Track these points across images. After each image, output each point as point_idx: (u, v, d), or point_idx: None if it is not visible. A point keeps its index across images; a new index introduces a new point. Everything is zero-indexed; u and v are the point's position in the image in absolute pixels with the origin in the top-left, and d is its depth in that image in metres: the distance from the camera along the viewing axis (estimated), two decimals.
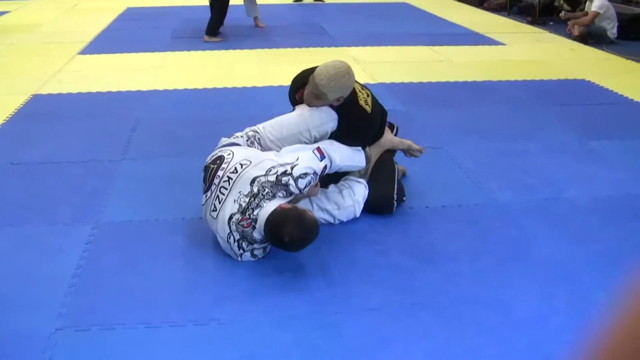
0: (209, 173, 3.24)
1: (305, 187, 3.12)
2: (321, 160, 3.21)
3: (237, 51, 7.94)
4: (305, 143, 3.41)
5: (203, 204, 3.25)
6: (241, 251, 3.06)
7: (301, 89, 3.55)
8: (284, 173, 3.07)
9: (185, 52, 7.87)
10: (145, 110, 5.52)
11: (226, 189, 3.10)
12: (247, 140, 3.39)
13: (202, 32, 8.86)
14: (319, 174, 3.21)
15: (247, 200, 3.02)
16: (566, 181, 4.06)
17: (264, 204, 3.00)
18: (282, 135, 3.44)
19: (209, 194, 3.19)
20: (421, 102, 5.82)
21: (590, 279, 2.96)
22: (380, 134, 3.68)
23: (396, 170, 3.71)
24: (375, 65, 7.19)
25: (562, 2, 10.11)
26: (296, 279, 3.00)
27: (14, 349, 2.55)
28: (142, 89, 6.16)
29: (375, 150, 3.74)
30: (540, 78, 6.66)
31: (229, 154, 3.25)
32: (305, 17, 10.72)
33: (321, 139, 3.45)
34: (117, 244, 3.35)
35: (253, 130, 3.48)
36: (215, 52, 7.88)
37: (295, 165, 3.10)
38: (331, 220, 3.50)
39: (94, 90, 6.11)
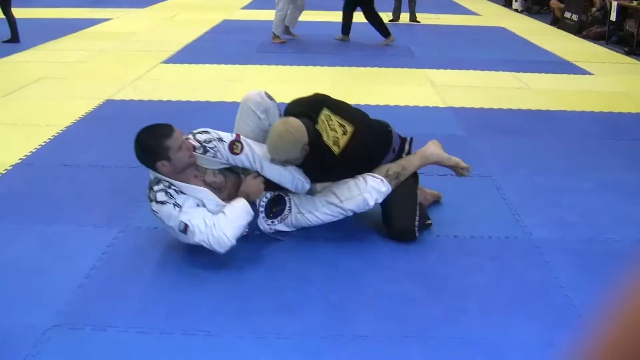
0: None
1: (205, 142, 3.36)
2: (234, 137, 3.41)
3: (316, 67, 8.00)
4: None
5: None
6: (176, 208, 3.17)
7: None
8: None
9: (265, 66, 8.00)
10: (206, 121, 5.58)
11: None
12: None
13: (288, 46, 9.03)
14: (226, 142, 3.37)
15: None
16: (609, 222, 3.84)
17: None
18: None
19: None
20: (485, 129, 5.68)
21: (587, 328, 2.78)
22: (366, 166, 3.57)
23: (418, 198, 3.62)
24: (449, 89, 7.07)
25: None
26: (295, 300, 2.97)
27: (6, 342, 2.65)
28: (211, 100, 6.29)
29: (418, 162, 3.70)
30: (619, 111, 6.36)
31: None
32: (395, 38, 10.66)
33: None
34: (135, 249, 3.43)
35: None
36: (294, 67, 7.96)
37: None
38: (342, 212, 3.44)
39: (164, 98, 6.30)
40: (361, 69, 8.05)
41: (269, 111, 3.56)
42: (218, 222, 3.09)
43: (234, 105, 6.13)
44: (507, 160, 4.88)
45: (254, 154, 3.37)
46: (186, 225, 3.08)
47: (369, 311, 2.89)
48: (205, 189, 3.27)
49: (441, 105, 6.42)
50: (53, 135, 5.12)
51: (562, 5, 12.42)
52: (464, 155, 4.82)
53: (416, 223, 3.51)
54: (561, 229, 3.76)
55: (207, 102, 6.22)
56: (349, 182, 3.45)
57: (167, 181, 3.20)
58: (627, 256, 3.44)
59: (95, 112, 5.82)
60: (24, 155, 4.68)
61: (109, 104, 6.10)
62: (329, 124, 3.43)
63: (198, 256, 3.30)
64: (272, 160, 3.38)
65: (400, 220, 3.51)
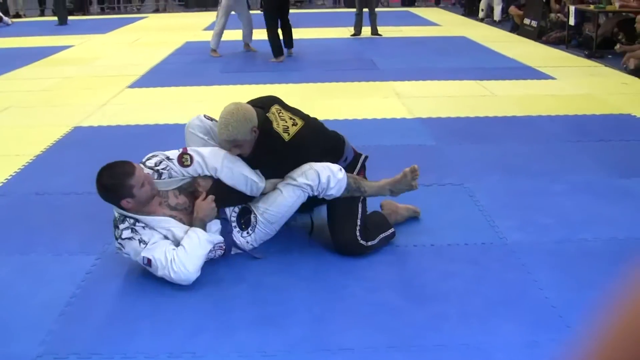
0: None
1: (156, 166, 3.38)
2: (180, 151, 3.44)
3: (282, 85, 8.02)
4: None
5: None
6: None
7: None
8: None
9: (230, 86, 8.02)
10: (175, 142, 5.59)
11: None
12: None
13: (253, 65, 9.07)
14: (174, 159, 3.42)
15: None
16: (583, 222, 3.91)
17: None
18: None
19: None
20: (453, 137, 5.75)
21: (582, 328, 2.83)
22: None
23: (359, 210, 3.58)
24: (415, 100, 7.15)
25: (619, 34, 9.83)
26: (277, 314, 2.98)
27: None
28: (179, 122, 6.26)
29: (376, 185, 3.68)
30: (584, 113, 6.48)
31: None
32: (358, 52, 10.78)
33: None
34: (114, 274, 3.41)
35: None
36: (260, 86, 7.97)
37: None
38: (301, 190, 3.39)
39: (132, 122, 6.29)
40: (327, 84, 8.10)
41: (211, 131, 3.64)
42: (178, 256, 3.14)
43: None
44: (477, 167, 4.95)
45: (205, 160, 3.40)
46: (149, 260, 3.15)
47: (352, 322, 2.91)
48: (170, 218, 3.30)
49: (408, 116, 6.48)
50: (23, 165, 5.08)
51: (521, 12, 12.64)
52: (435, 164, 4.93)
53: (357, 234, 3.51)
54: (536, 231, 3.82)
55: (175, 125, 6.21)
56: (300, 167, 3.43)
57: (133, 217, 3.22)
58: (602, 255, 3.50)
59: (64, 140, 5.79)
60: None
61: (78, 131, 6.07)
62: (279, 116, 3.51)
63: None
64: (222, 142, 3.43)
65: (340, 234, 3.52)
